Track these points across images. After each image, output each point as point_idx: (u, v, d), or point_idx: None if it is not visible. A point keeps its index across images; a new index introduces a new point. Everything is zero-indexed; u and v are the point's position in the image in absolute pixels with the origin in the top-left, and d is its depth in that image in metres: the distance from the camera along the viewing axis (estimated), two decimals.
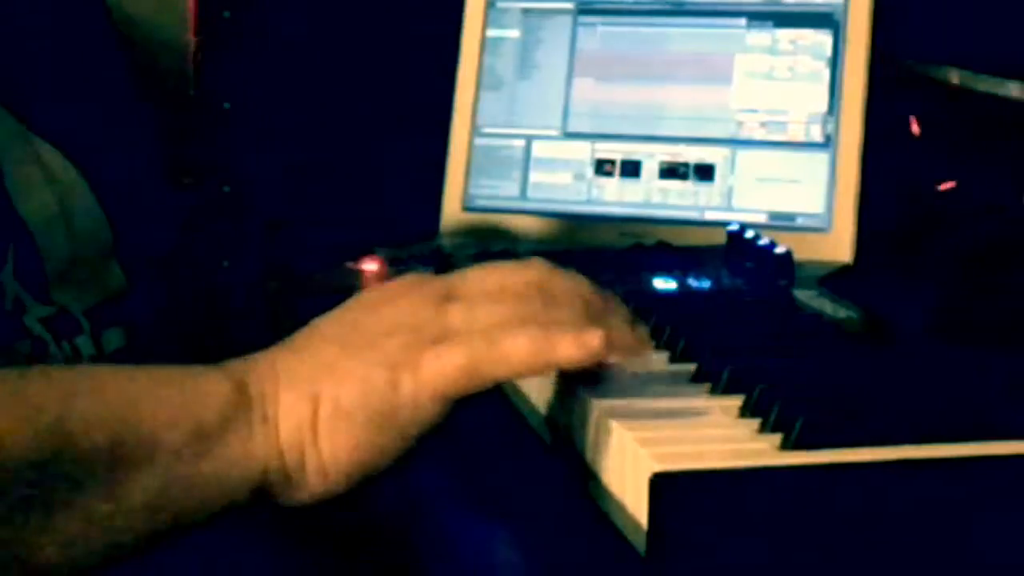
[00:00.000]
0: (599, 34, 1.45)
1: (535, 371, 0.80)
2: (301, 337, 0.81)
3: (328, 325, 0.82)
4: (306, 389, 0.78)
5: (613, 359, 0.83)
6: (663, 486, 0.70)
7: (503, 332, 0.78)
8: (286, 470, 0.78)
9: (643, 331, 0.85)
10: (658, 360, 0.91)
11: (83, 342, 0.97)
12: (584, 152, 1.42)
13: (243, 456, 0.77)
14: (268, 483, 0.78)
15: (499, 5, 1.47)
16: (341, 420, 0.77)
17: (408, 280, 0.83)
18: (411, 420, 0.78)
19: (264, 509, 0.79)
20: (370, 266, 1.33)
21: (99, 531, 0.74)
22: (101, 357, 0.98)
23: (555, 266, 0.85)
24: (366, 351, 0.78)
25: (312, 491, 0.78)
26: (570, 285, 0.83)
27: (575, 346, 0.78)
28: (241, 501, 0.77)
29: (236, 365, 0.79)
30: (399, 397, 0.77)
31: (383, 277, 1.32)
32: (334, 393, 0.78)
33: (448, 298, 0.81)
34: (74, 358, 0.97)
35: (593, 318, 0.81)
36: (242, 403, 0.77)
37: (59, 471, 0.72)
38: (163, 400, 0.76)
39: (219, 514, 0.77)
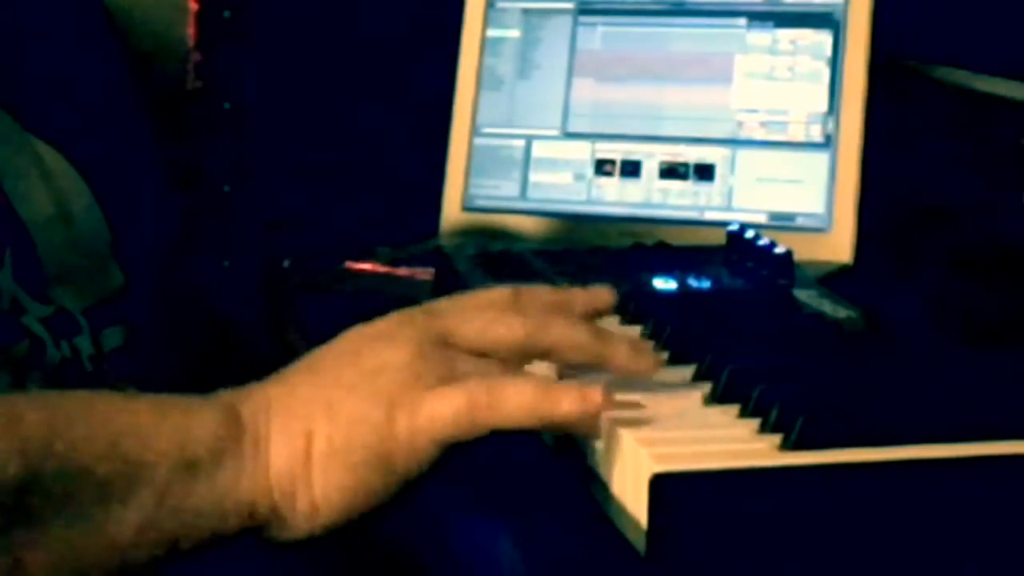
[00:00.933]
0: (599, 34, 1.45)
1: (533, 425, 0.78)
2: (297, 370, 0.80)
3: (325, 359, 0.80)
4: (300, 425, 0.77)
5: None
6: (663, 486, 0.70)
7: (505, 382, 0.77)
8: (275, 506, 0.77)
9: (646, 351, 0.84)
10: (658, 360, 0.91)
11: (82, 342, 0.97)
12: (584, 152, 1.42)
13: (233, 489, 0.76)
14: (257, 519, 0.77)
15: (499, 5, 1.47)
16: (335, 459, 0.76)
17: (408, 314, 0.82)
18: (404, 462, 0.77)
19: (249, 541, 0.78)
20: (370, 266, 1.33)
21: (84, 558, 0.73)
22: (100, 356, 0.98)
23: (552, 305, 0.84)
24: (364, 387, 0.77)
25: (300, 528, 0.77)
26: (567, 330, 0.82)
27: (577, 403, 0.77)
28: (229, 534, 0.76)
29: (230, 397, 0.78)
30: (394, 439, 0.76)
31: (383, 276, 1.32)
32: (328, 431, 0.77)
33: (448, 338, 0.80)
34: (73, 358, 0.96)
35: (594, 360, 0.81)
36: (234, 436, 0.76)
37: (44, 497, 0.72)
38: (154, 430, 0.75)
39: (206, 546, 0.76)
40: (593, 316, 0.87)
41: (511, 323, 0.81)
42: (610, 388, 0.83)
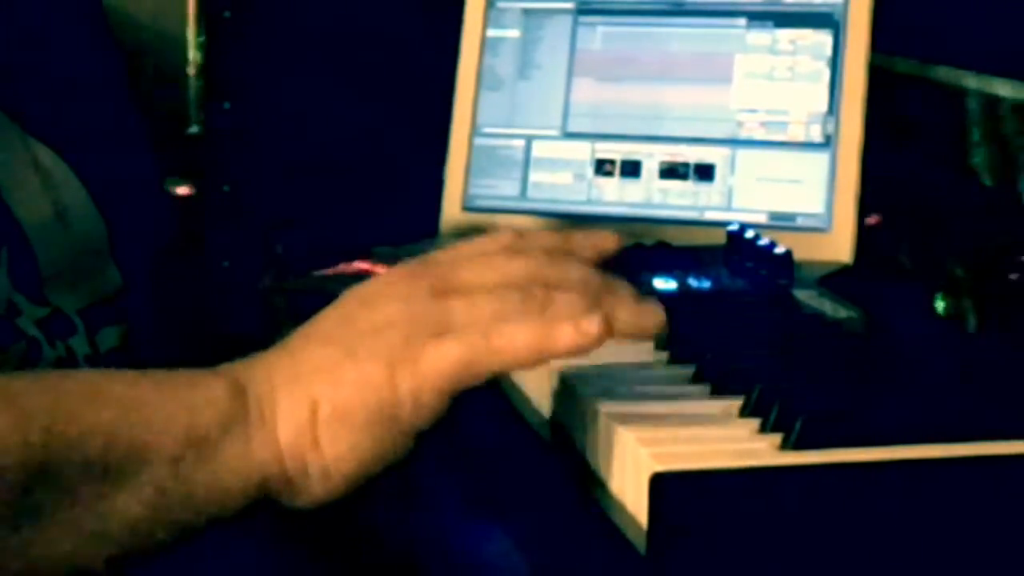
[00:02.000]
0: (599, 34, 1.45)
1: (535, 362, 0.78)
2: (297, 338, 0.81)
3: (323, 324, 0.81)
4: (304, 392, 0.77)
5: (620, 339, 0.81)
6: (663, 486, 0.70)
7: (501, 324, 0.77)
8: (287, 475, 0.77)
9: (652, 306, 0.82)
10: (658, 360, 0.91)
11: (77, 342, 0.97)
12: (584, 152, 1.42)
13: (242, 462, 0.76)
14: (269, 488, 0.77)
15: (499, 5, 1.47)
16: (341, 421, 0.77)
17: (401, 270, 0.82)
18: (411, 417, 0.77)
19: (262, 510, 0.78)
20: (370, 266, 1.33)
21: (92, 539, 0.73)
22: (97, 357, 0.98)
23: (553, 247, 0.84)
24: (362, 349, 0.78)
25: (315, 494, 0.78)
26: (568, 269, 0.82)
27: (575, 335, 0.77)
28: (241, 508, 0.76)
29: (233, 369, 0.79)
30: (398, 395, 0.77)
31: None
32: (332, 395, 0.77)
33: (444, 289, 0.80)
34: (68, 359, 0.96)
35: (594, 301, 0.80)
36: (240, 408, 0.77)
37: (50, 477, 0.72)
38: (159, 406, 0.75)
39: (218, 522, 0.76)
40: (597, 259, 0.86)
41: (513, 265, 0.81)
42: (611, 388, 0.83)
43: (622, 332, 0.80)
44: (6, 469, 0.71)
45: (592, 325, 0.77)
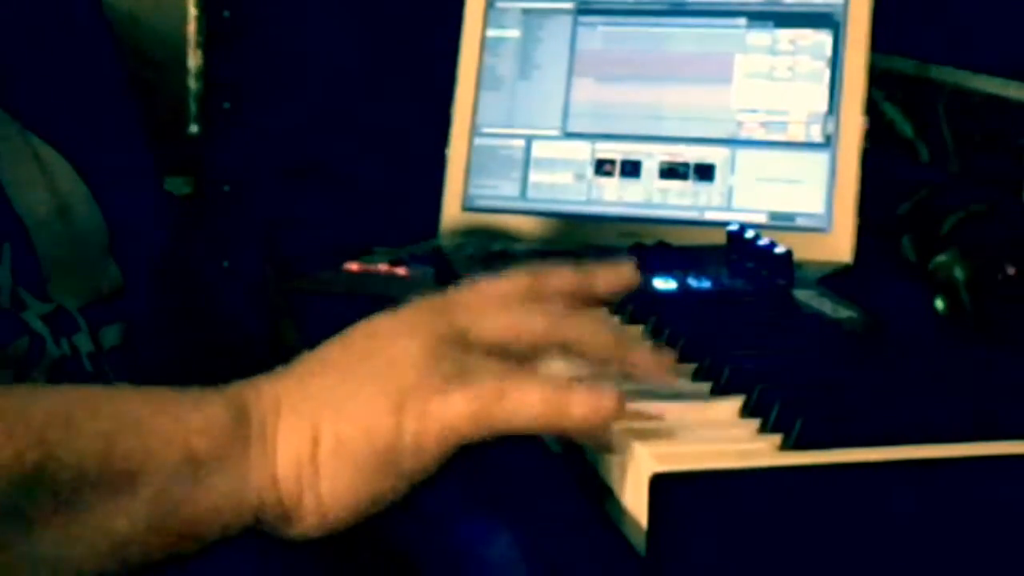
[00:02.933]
0: (599, 34, 1.45)
1: (544, 430, 0.77)
2: (306, 364, 0.79)
3: (334, 353, 0.79)
4: (307, 422, 0.76)
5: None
6: (663, 486, 0.70)
7: (516, 386, 0.76)
8: (282, 504, 0.76)
9: (665, 359, 0.83)
10: None
11: (81, 340, 0.97)
12: (584, 152, 1.42)
13: (239, 485, 0.75)
14: (264, 516, 0.76)
15: (499, 5, 1.47)
16: (342, 458, 0.76)
17: (419, 308, 0.80)
18: (412, 463, 0.76)
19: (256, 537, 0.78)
20: (370, 266, 1.33)
21: (82, 555, 0.72)
22: (100, 354, 0.98)
23: (572, 290, 0.83)
24: (372, 385, 0.76)
25: (308, 527, 0.77)
26: (585, 325, 0.81)
27: (589, 408, 0.76)
28: (234, 532, 0.76)
29: (238, 391, 0.77)
30: (402, 441, 0.75)
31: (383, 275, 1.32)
32: (336, 430, 0.76)
33: (461, 338, 0.78)
34: (72, 356, 0.96)
35: (613, 361, 0.80)
36: (241, 432, 0.76)
37: (42, 491, 0.71)
38: (159, 424, 0.74)
39: (210, 545, 0.75)
40: (617, 296, 0.85)
41: (532, 319, 0.80)
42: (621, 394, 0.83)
43: (640, 380, 0.80)
44: (2, 480, 0.70)
45: (609, 401, 0.76)
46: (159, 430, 0.74)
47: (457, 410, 0.75)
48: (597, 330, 0.81)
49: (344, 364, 0.78)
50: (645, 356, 0.82)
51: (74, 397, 0.76)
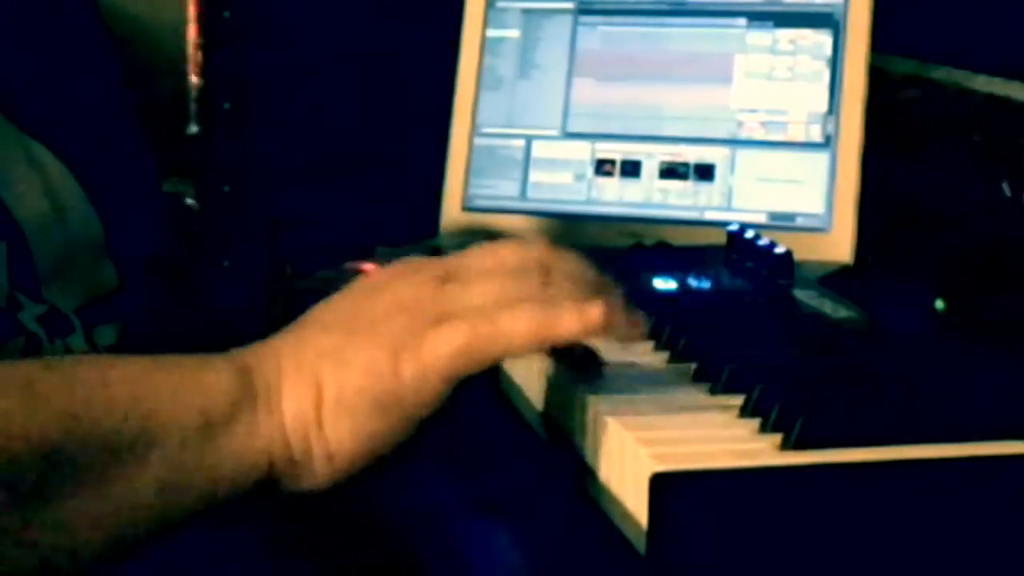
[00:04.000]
0: (599, 34, 1.45)
1: (537, 346, 0.80)
2: (303, 324, 0.81)
3: (329, 311, 0.82)
4: (309, 376, 0.78)
5: (608, 339, 0.82)
6: (663, 486, 0.70)
7: (503, 309, 0.78)
8: (292, 457, 0.78)
9: (638, 317, 0.84)
10: (658, 360, 0.91)
11: (75, 341, 0.97)
12: (584, 152, 1.42)
13: (249, 444, 0.77)
14: (274, 471, 0.78)
15: (499, 5, 1.47)
16: (345, 406, 0.78)
17: (406, 263, 0.83)
18: (415, 402, 0.78)
19: (264, 506, 0.79)
20: (370, 266, 1.33)
21: (106, 520, 0.74)
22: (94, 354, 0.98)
23: (555, 246, 0.85)
24: (367, 335, 0.78)
25: (318, 478, 0.78)
26: (569, 264, 0.83)
27: (576, 319, 0.78)
28: (247, 489, 0.77)
29: (240, 354, 0.80)
30: (402, 380, 0.77)
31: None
32: (337, 379, 0.78)
33: (447, 278, 0.81)
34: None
35: (592, 295, 0.81)
36: (247, 392, 0.77)
37: (65, 460, 0.72)
38: (169, 390, 0.76)
39: (224, 504, 0.77)
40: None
41: (514, 249, 0.83)
42: (610, 387, 0.83)
43: (614, 330, 0.81)
44: (22, 450, 0.71)
45: (594, 311, 0.79)
46: (170, 395, 0.76)
47: (451, 343, 0.77)
48: (578, 266, 0.83)
49: (338, 320, 0.81)
50: (620, 306, 0.82)
51: (88, 367, 0.78)
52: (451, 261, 0.83)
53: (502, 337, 0.78)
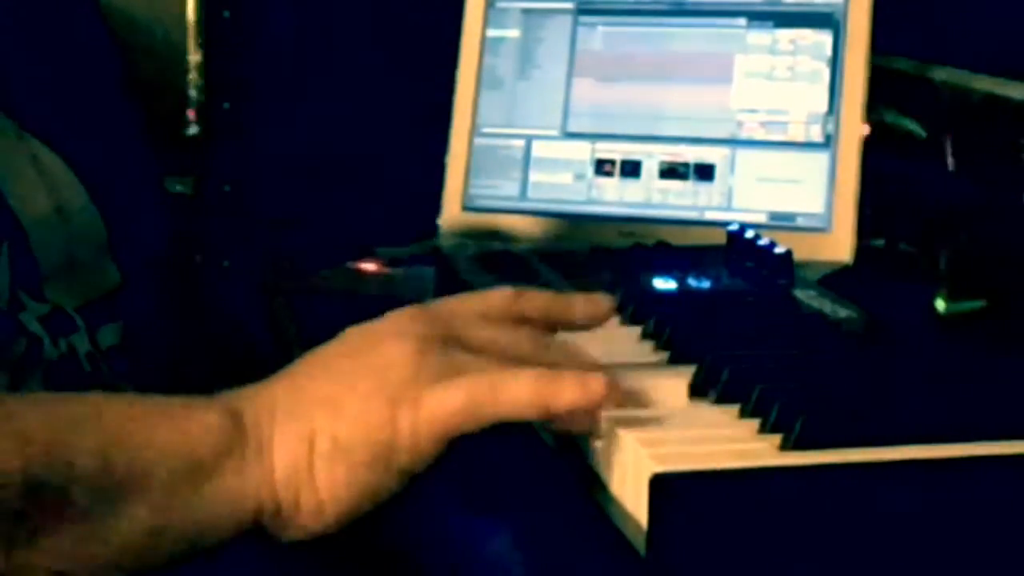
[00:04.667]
0: (599, 34, 1.45)
1: (536, 415, 0.78)
2: (298, 370, 0.80)
3: (326, 357, 0.80)
4: (303, 424, 0.77)
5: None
6: (663, 486, 0.70)
7: (505, 373, 0.77)
8: (280, 506, 0.77)
9: (647, 380, 0.84)
10: (658, 360, 0.91)
11: (79, 340, 0.97)
12: (584, 152, 1.42)
13: (237, 490, 0.76)
14: (261, 519, 0.77)
15: (499, 5, 1.47)
16: (338, 458, 0.76)
17: (408, 312, 0.82)
18: (408, 458, 0.77)
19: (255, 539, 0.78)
20: (370, 266, 1.33)
21: (87, 560, 0.73)
22: (98, 354, 0.98)
23: (551, 312, 0.85)
24: (365, 385, 0.77)
25: (306, 528, 0.77)
26: (570, 355, 0.83)
27: (578, 391, 0.77)
28: (233, 536, 0.76)
29: (232, 397, 0.78)
30: (397, 435, 0.76)
31: (383, 275, 1.32)
32: (332, 429, 0.77)
33: (450, 338, 0.80)
34: (70, 356, 0.96)
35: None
36: (237, 437, 0.76)
37: (47, 500, 0.72)
38: (157, 432, 0.75)
39: (210, 549, 0.76)
40: (592, 325, 0.87)
41: (517, 336, 0.82)
42: (612, 379, 0.83)
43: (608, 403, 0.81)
44: (4, 490, 0.71)
45: (596, 383, 0.78)
46: (158, 438, 0.75)
47: (450, 402, 0.76)
48: (576, 359, 0.83)
49: (336, 366, 0.79)
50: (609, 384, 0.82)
51: (75, 405, 0.77)
52: (453, 320, 0.81)
53: (502, 402, 0.77)
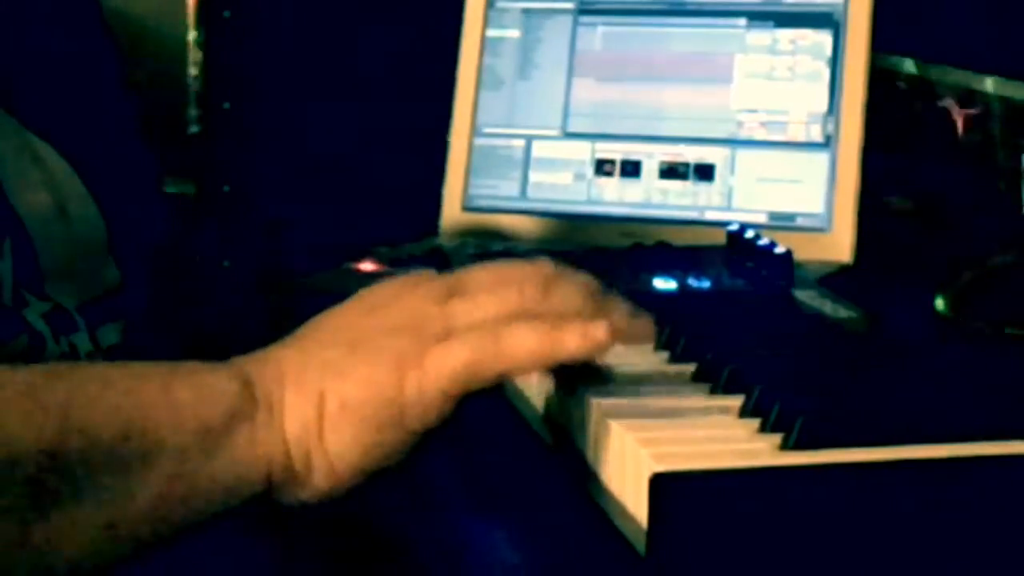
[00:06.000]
0: (599, 34, 1.45)
1: (541, 365, 0.79)
2: (306, 334, 0.81)
3: (332, 322, 0.82)
4: (312, 387, 0.78)
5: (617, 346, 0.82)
6: (663, 486, 0.70)
7: (507, 327, 0.78)
8: (292, 468, 0.77)
9: (646, 321, 0.85)
10: (658, 360, 0.91)
11: (80, 339, 0.97)
12: (584, 152, 1.42)
13: (249, 454, 0.77)
14: (273, 482, 0.77)
15: (499, 5, 1.47)
16: (347, 418, 0.77)
17: (411, 277, 0.83)
18: (417, 417, 0.77)
19: (264, 508, 0.79)
20: (370, 266, 1.33)
21: (104, 528, 0.74)
22: (98, 354, 0.98)
23: (558, 263, 0.85)
24: (371, 348, 0.78)
25: (317, 490, 0.78)
26: (572, 279, 0.83)
27: (581, 339, 0.78)
28: (246, 499, 0.77)
29: (242, 363, 0.79)
30: (405, 394, 0.77)
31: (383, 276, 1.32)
32: (340, 391, 0.77)
33: (451, 295, 0.81)
34: (71, 355, 0.97)
35: (596, 310, 0.81)
36: (248, 401, 0.77)
37: (64, 467, 0.72)
38: (169, 398, 0.76)
39: (223, 514, 0.77)
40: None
41: (519, 288, 0.82)
42: (611, 387, 0.83)
43: (621, 339, 0.81)
44: (21, 458, 0.71)
45: (599, 330, 0.78)
46: (171, 404, 0.76)
47: (456, 357, 0.77)
48: (581, 282, 0.83)
49: (343, 329, 0.80)
50: (625, 314, 0.83)
51: (89, 374, 0.77)
52: (455, 277, 0.82)
53: (506, 355, 0.77)
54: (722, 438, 0.77)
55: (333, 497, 0.79)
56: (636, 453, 0.75)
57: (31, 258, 0.95)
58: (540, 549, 0.81)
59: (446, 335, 0.78)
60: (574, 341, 0.78)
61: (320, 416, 0.77)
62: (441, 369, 0.77)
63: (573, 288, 0.82)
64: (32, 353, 0.94)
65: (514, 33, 1.46)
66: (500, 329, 0.78)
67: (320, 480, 0.78)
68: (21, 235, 0.95)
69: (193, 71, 1.58)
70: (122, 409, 0.74)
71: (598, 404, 0.81)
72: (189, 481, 0.75)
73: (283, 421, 0.77)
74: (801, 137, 1.37)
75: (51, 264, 0.96)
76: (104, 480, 0.73)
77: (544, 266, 0.84)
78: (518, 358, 0.78)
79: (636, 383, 0.85)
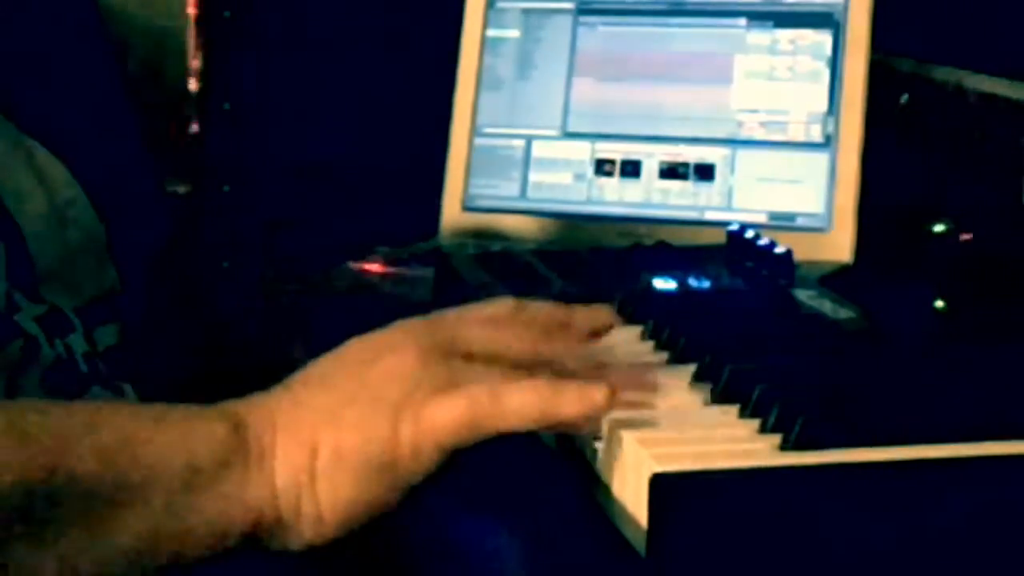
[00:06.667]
0: (599, 34, 1.45)
1: (538, 427, 0.79)
2: (300, 381, 0.80)
3: (327, 369, 0.81)
4: (305, 435, 0.77)
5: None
6: (663, 486, 0.70)
7: (507, 385, 0.78)
8: (280, 516, 0.77)
9: (651, 376, 0.85)
10: (658, 360, 0.91)
11: (76, 340, 0.97)
12: (584, 152, 1.42)
13: (237, 500, 0.76)
14: (260, 529, 0.77)
15: (499, 5, 1.47)
16: (340, 468, 0.77)
17: (409, 324, 0.82)
18: (409, 468, 0.77)
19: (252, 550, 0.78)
20: (370, 266, 1.33)
21: (87, 566, 0.73)
22: (95, 355, 0.98)
23: (553, 321, 0.85)
24: (367, 396, 0.78)
25: (305, 538, 0.78)
26: (566, 348, 0.83)
27: (579, 403, 0.77)
28: (232, 545, 0.76)
29: (234, 407, 0.78)
30: (399, 446, 0.77)
31: (384, 276, 1.32)
32: (333, 441, 0.77)
33: (451, 348, 0.80)
34: (67, 357, 0.96)
35: (598, 368, 0.81)
36: (239, 446, 0.76)
37: (48, 503, 0.72)
38: (159, 439, 0.75)
39: (209, 557, 0.76)
40: (592, 335, 0.87)
41: (516, 334, 0.82)
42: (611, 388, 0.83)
43: (622, 398, 0.81)
44: (6, 491, 0.71)
45: (598, 393, 0.78)
46: (158, 445, 0.75)
47: (452, 414, 0.77)
48: (578, 350, 0.84)
49: (338, 377, 0.80)
50: (622, 374, 0.83)
51: (78, 411, 0.77)
52: (454, 330, 0.81)
53: (503, 413, 0.77)
54: (722, 438, 0.77)
55: (316, 546, 0.78)
56: (636, 453, 0.75)
57: (25, 261, 0.95)
58: (541, 549, 0.81)
59: (443, 388, 0.77)
60: (572, 404, 0.77)
61: (312, 463, 0.77)
62: (437, 421, 0.76)
63: (569, 352, 0.82)
64: (27, 357, 0.94)
65: (514, 33, 1.46)
66: (500, 386, 0.77)
67: (307, 530, 0.77)
68: (16, 238, 0.95)
69: (193, 71, 1.58)
70: (110, 447, 0.74)
71: None
72: (175, 523, 0.74)
73: (273, 467, 0.77)
74: (801, 137, 1.37)
75: (47, 266, 0.96)
76: (87, 516, 0.73)
77: (543, 320, 0.83)
78: (515, 417, 0.77)
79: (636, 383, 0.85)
